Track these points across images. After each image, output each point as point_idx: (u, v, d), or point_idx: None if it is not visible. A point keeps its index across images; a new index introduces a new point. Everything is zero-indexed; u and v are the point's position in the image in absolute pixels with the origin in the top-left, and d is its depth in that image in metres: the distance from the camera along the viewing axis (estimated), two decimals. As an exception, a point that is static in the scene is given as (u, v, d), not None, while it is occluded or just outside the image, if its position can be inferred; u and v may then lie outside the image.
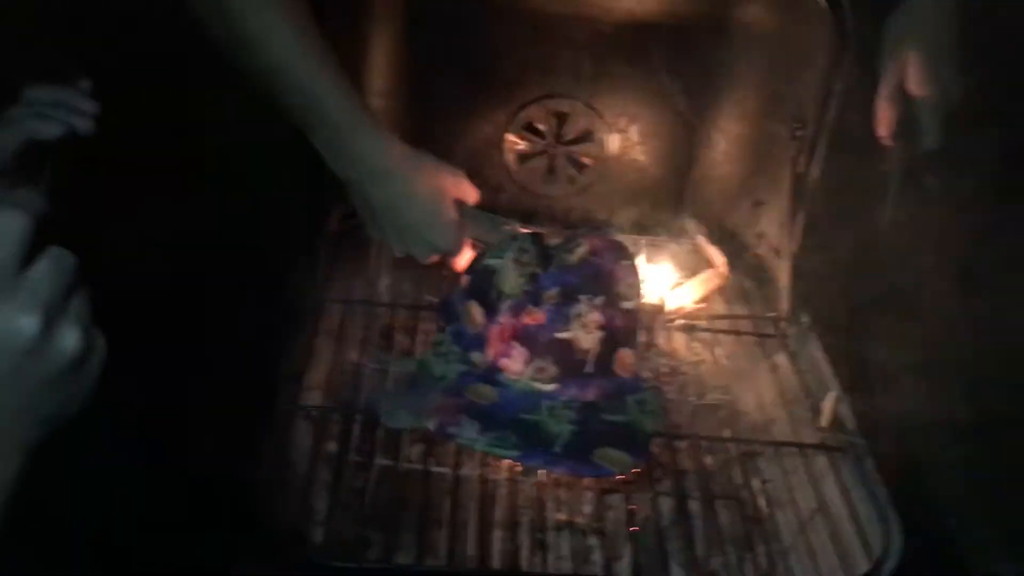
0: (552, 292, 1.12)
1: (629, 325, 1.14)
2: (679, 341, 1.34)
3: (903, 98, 1.13)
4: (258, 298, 1.37)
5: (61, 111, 0.74)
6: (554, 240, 1.20)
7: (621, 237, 1.39)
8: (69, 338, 0.59)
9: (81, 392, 0.63)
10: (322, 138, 1.08)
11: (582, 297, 1.12)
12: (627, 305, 1.14)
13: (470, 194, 1.19)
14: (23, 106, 0.74)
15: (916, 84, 1.10)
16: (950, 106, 1.12)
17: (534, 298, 1.12)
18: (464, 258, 1.20)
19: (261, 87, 1.04)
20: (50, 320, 0.59)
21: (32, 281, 0.58)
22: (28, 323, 0.58)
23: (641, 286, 1.18)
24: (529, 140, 1.46)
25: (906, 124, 1.14)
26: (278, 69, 1.02)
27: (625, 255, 1.18)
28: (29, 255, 0.59)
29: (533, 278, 1.14)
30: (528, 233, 1.22)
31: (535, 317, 1.11)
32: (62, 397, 0.61)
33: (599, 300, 1.12)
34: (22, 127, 0.72)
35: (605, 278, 1.14)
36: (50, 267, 0.59)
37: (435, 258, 1.18)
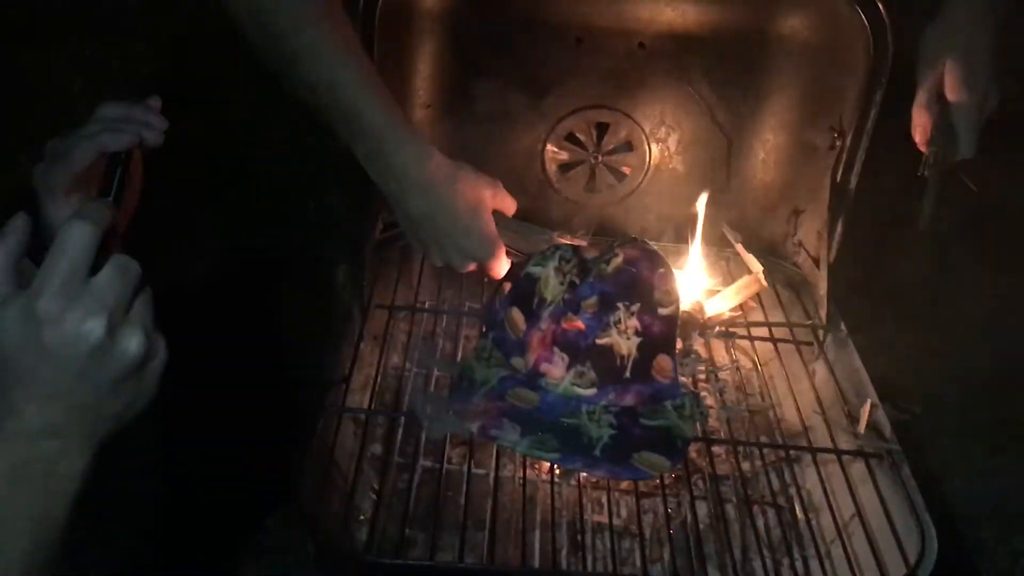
0: (591, 301, 1.14)
1: (667, 331, 1.16)
2: (717, 348, 1.36)
3: (939, 106, 1.14)
4: (307, 304, 1.42)
5: (132, 125, 0.78)
6: (591, 253, 1.22)
7: (660, 245, 1.42)
8: (132, 341, 0.64)
9: (145, 392, 0.67)
10: (364, 151, 1.12)
11: (619, 304, 1.14)
12: (664, 312, 1.16)
13: (508, 205, 1.22)
14: (96, 122, 0.79)
15: (953, 91, 1.12)
16: (986, 113, 1.14)
17: (573, 307, 1.14)
18: (501, 267, 1.22)
19: (306, 102, 1.08)
20: (114, 324, 0.63)
21: (98, 288, 0.63)
22: (94, 327, 0.62)
23: (678, 293, 1.19)
24: (569, 150, 1.49)
25: (943, 131, 1.15)
26: (323, 85, 1.06)
27: (660, 263, 1.20)
28: (96, 263, 0.64)
29: (572, 287, 1.16)
30: (568, 244, 1.24)
31: (575, 324, 1.13)
32: (127, 397, 0.66)
33: (636, 307, 1.14)
34: (96, 141, 0.77)
35: (641, 286, 1.16)
36: (115, 274, 0.64)
37: (472, 267, 1.22)
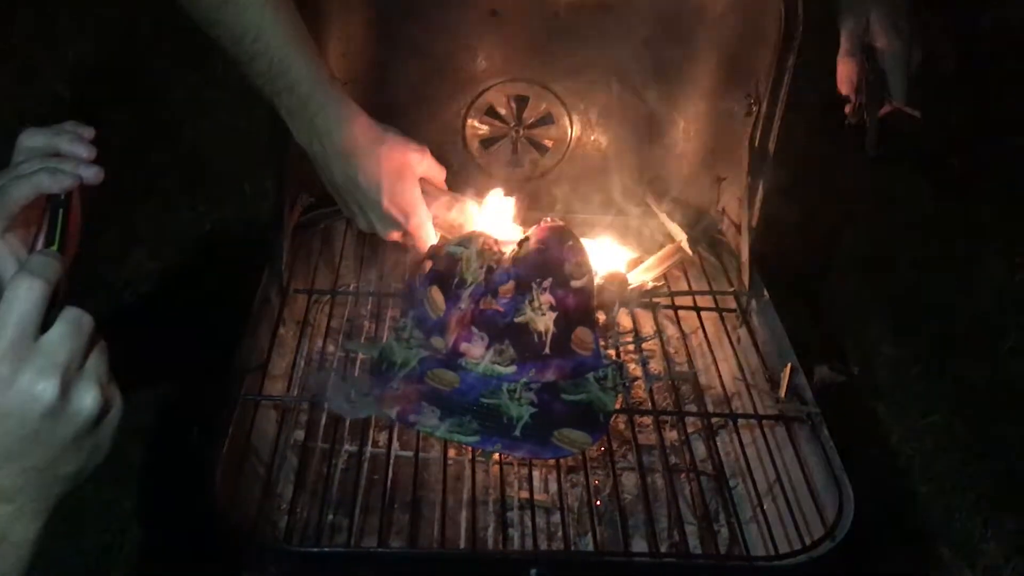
0: (508, 286, 1.14)
1: (582, 303, 1.15)
2: (642, 318, 1.36)
3: (864, 55, 1.18)
4: (222, 289, 1.39)
5: (70, 163, 0.74)
6: (509, 246, 1.23)
7: (584, 217, 1.41)
8: (87, 399, 0.61)
9: (101, 448, 0.64)
10: (288, 107, 1.08)
11: (532, 284, 1.14)
12: (577, 284, 1.16)
13: (436, 172, 1.20)
14: (20, 152, 0.75)
15: (882, 38, 1.15)
16: (913, 64, 1.16)
17: (492, 292, 1.14)
18: (427, 236, 1.20)
19: (231, 53, 1.05)
20: (68, 383, 0.60)
21: (49, 346, 0.60)
22: (46, 388, 0.59)
23: (590, 264, 1.19)
24: (490, 124, 1.47)
25: (871, 80, 1.18)
26: (251, 35, 1.02)
27: (568, 237, 1.20)
28: (47, 317, 0.60)
29: (490, 272, 1.16)
30: (488, 235, 1.24)
31: (493, 306, 1.12)
32: (83, 455, 0.62)
33: (548, 283, 1.14)
34: (33, 182, 0.72)
35: (552, 261, 1.16)
36: (67, 330, 0.61)
37: (396, 235, 1.19)
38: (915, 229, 1.97)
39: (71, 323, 0.61)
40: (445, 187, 1.24)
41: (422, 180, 1.18)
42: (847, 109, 1.24)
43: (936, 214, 2.01)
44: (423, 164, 1.18)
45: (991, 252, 2.08)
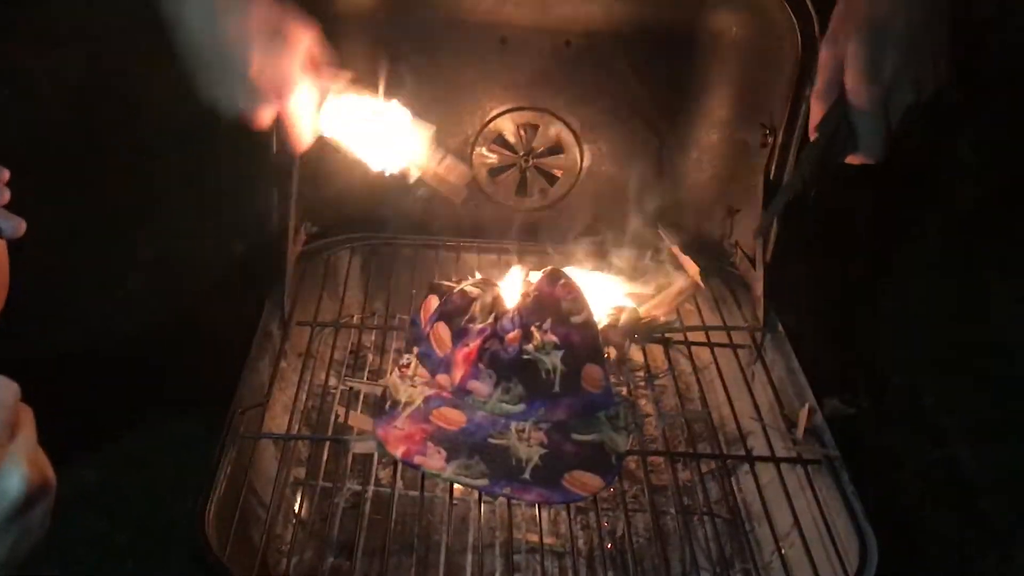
0: (514, 334, 1.12)
1: (587, 339, 1.13)
2: (654, 353, 1.32)
3: (839, 94, 0.93)
4: (223, 322, 1.36)
5: None
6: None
7: (595, 249, 1.38)
8: (13, 479, 0.55)
9: (34, 531, 0.58)
10: None
11: (533, 327, 1.12)
12: (576, 319, 1.14)
13: (323, 52, 1.04)
14: None
15: (851, 79, 0.91)
16: (899, 112, 0.92)
17: (499, 339, 1.12)
18: (300, 122, 1.02)
19: None
20: None
21: None
22: None
23: (585, 300, 1.17)
24: (499, 153, 1.44)
25: (839, 122, 0.94)
26: None
27: (559, 276, 1.19)
28: None
29: (497, 319, 1.15)
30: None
31: (501, 345, 1.10)
32: (10, 540, 0.56)
33: (547, 324, 1.13)
34: None
35: (547, 301, 1.15)
36: None
37: (265, 118, 0.99)
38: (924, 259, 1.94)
39: None
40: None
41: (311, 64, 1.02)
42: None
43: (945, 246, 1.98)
44: (306, 38, 0.99)
45: (999, 282, 2.06)
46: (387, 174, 1.12)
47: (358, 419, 1.10)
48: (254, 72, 0.94)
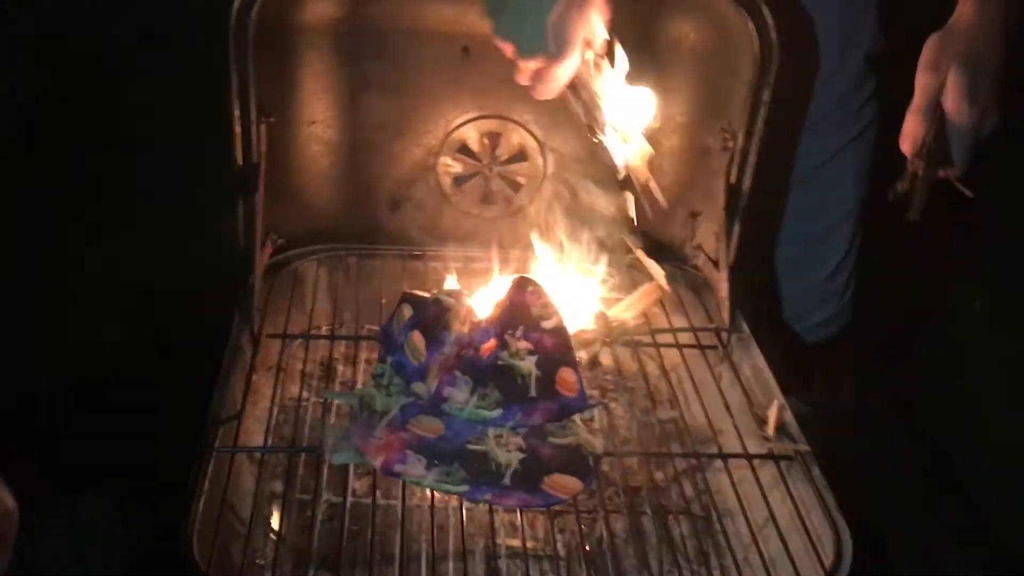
0: (489, 344, 1.13)
1: (559, 343, 1.14)
2: (624, 356, 1.34)
3: (936, 116, 1.08)
4: (192, 337, 1.35)
5: None
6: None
7: (561, 254, 1.39)
8: None
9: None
10: None
11: (506, 336, 1.14)
12: (548, 324, 1.16)
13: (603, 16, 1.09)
14: None
15: (954, 102, 1.05)
16: (986, 131, 1.08)
17: (475, 349, 1.13)
18: (560, 82, 1.08)
19: None
20: None
21: None
22: None
23: (554, 305, 1.19)
24: (463, 162, 1.45)
25: (936, 143, 1.08)
26: None
27: (527, 283, 1.20)
28: None
29: (471, 329, 1.16)
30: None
31: (476, 353, 1.11)
32: None
33: (519, 331, 1.14)
34: None
35: (517, 309, 1.17)
36: None
37: (530, 69, 1.06)
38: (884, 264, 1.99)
39: None
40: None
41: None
42: (910, 169, 1.12)
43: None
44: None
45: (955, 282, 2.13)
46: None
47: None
48: (551, 23, 1.00)
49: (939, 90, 1.06)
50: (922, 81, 1.07)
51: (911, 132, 1.09)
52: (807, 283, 1.63)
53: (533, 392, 1.10)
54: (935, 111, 1.07)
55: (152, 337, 1.42)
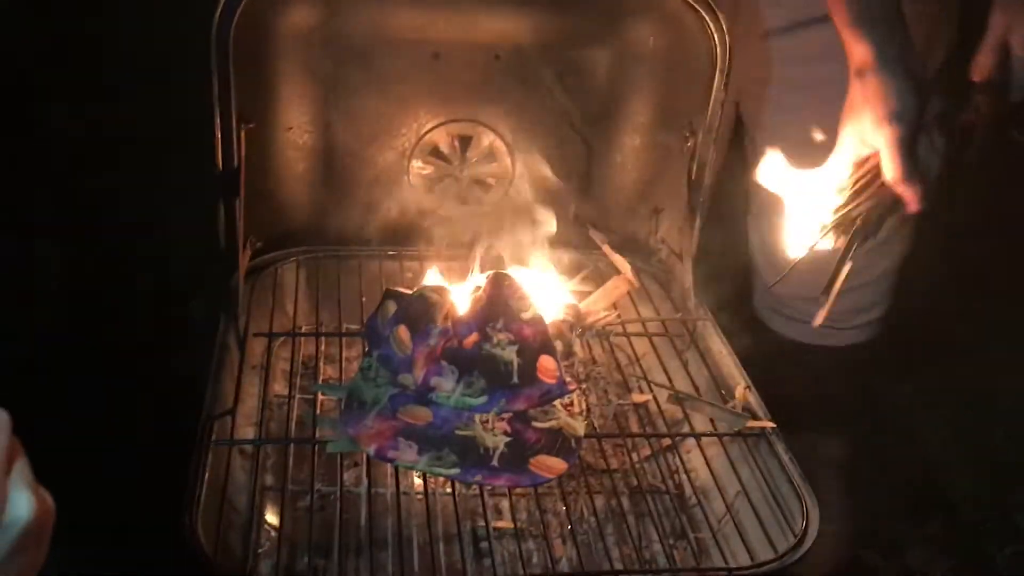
0: (471, 338, 1.18)
1: (538, 333, 1.20)
2: (596, 347, 1.40)
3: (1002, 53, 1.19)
4: (180, 338, 1.38)
5: None
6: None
7: (532, 252, 1.45)
8: (22, 506, 0.54)
9: (40, 559, 0.57)
10: None
11: (487, 328, 1.19)
12: (526, 315, 1.21)
13: None
14: None
15: (1017, 43, 1.18)
16: None
17: (458, 341, 1.18)
18: None
19: None
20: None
21: None
22: None
23: (530, 298, 1.25)
24: (435, 164, 1.50)
25: (998, 78, 1.20)
26: None
27: (503, 278, 1.26)
28: None
29: (455, 324, 1.20)
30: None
31: (460, 344, 1.16)
32: (18, 572, 0.55)
33: (500, 323, 1.20)
34: None
35: (496, 303, 1.22)
36: None
37: None
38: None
39: None
40: None
41: None
42: (975, 103, 1.24)
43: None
44: None
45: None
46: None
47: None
48: None
49: (1009, 30, 1.18)
50: (994, 20, 1.19)
51: (982, 64, 1.20)
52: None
53: (516, 379, 1.15)
54: (1004, 49, 1.18)
55: (135, 338, 1.44)
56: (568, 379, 1.21)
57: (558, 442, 1.12)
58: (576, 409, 1.18)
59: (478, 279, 1.31)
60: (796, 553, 1.02)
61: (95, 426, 1.26)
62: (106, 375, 1.39)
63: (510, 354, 1.17)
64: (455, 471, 1.06)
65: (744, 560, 1.06)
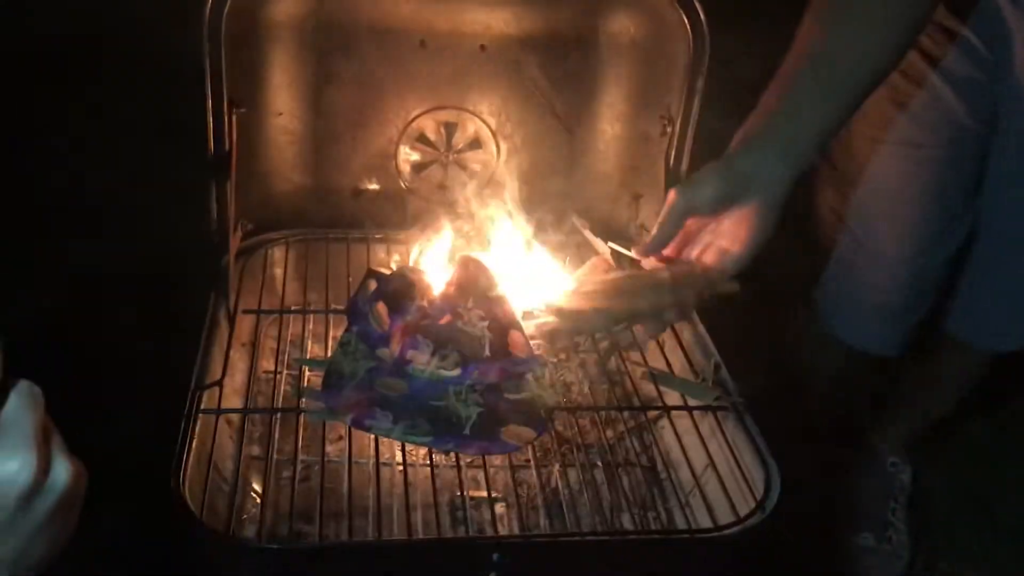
0: (445, 318, 1.23)
1: (505, 309, 1.26)
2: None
3: None
4: (173, 314, 1.42)
5: None
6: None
7: (515, 235, 1.49)
8: (62, 472, 0.56)
9: (69, 527, 0.59)
10: None
11: (459, 309, 1.24)
12: (492, 294, 1.27)
13: None
14: None
15: None
16: None
17: (433, 319, 1.23)
18: None
19: None
20: (41, 458, 0.55)
21: (11, 420, 0.55)
22: (23, 466, 0.54)
23: (494, 276, 1.30)
24: (421, 151, 1.55)
25: None
26: None
27: (471, 262, 1.31)
28: None
29: (431, 303, 1.26)
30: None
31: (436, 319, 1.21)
32: (53, 536, 0.58)
33: (470, 303, 1.25)
34: None
35: (466, 284, 1.27)
36: (24, 403, 0.56)
37: None
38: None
39: (26, 395, 0.56)
40: None
41: None
42: None
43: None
44: None
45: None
46: None
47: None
48: None
49: None
50: None
51: None
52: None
53: (488, 352, 1.19)
54: None
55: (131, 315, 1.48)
56: (539, 354, 1.25)
57: (529, 412, 1.16)
58: (547, 381, 1.22)
59: (454, 261, 1.36)
60: (755, 518, 1.06)
61: (89, 402, 1.30)
62: (101, 353, 1.43)
63: (482, 329, 1.22)
64: (428, 439, 1.11)
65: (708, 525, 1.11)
